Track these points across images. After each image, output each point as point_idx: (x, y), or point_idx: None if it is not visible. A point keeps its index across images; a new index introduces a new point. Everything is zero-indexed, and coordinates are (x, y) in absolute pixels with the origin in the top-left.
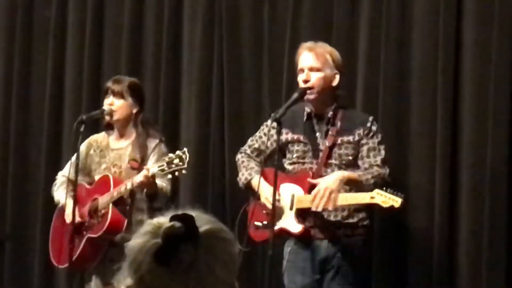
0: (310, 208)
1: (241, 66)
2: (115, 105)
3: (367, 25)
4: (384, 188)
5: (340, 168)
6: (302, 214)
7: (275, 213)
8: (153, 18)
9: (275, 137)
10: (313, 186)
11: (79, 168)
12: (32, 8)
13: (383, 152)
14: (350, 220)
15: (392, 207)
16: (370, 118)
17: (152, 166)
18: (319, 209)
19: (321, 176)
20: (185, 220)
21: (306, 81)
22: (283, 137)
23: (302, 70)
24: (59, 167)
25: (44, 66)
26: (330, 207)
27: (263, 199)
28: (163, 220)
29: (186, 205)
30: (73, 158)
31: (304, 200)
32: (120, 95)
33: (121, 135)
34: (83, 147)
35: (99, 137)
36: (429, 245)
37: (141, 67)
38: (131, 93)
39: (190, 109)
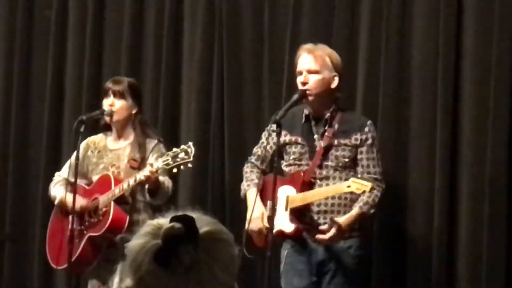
0: (303, 207)
1: (241, 68)
2: (116, 105)
3: (367, 27)
4: (359, 176)
5: (336, 170)
6: (298, 216)
7: (274, 216)
8: (153, 20)
9: (275, 139)
10: (304, 185)
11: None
12: (32, 8)
13: (380, 162)
14: None
15: (364, 192)
16: (368, 122)
17: (156, 161)
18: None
19: (314, 177)
20: (185, 221)
21: (304, 84)
22: (282, 139)
23: (301, 73)
24: (59, 167)
25: (44, 66)
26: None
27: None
28: (163, 221)
29: (186, 206)
30: (72, 159)
31: (296, 199)
32: (120, 95)
33: (120, 136)
34: (80, 149)
35: (97, 138)
36: (429, 247)
37: (141, 68)
38: (131, 93)
39: (190, 110)
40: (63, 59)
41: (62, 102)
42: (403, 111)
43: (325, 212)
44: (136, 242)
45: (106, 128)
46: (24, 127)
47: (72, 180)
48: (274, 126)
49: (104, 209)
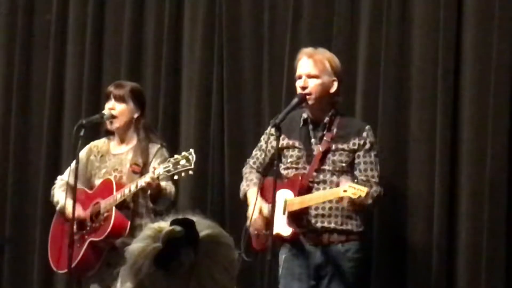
0: (301, 211)
1: (241, 71)
2: (117, 109)
3: (367, 31)
4: (355, 181)
5: (333, 174)
6: (295, 219)
7: (273, 220)
8: (153, 23)
9: (274, 143)
10: (302, 188)
11: (80, 173)
12: (32, 12)
13: (378, 167)
14: (344, 227)
15: (359, 197)
16: (367, 127)
17: (158, 167)
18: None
19: (311, 181)
20: (185, 225)
21: (303, 88)
22: (280, 143)
23: (300, 77)
24: (58, 171)
25: (44, 70)
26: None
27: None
28: (164, 224)
29: (186, 209)
30: (73, 163)
31: (294, 203)
32: (121, 99)
33: (122, 140)
34: (83, 153)
35: (100, 143)
36: (429, 250)
37: (141, 71)
38: (133, 98)
39: (190, 113)
40: (63, 63)
41: (62, 106)
42: (403, 114)
43: (323, 216)
44: (136, 246)
45: (110, 133)
46: (24, 131)
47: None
48: (273, 130)
49: (105, 214)
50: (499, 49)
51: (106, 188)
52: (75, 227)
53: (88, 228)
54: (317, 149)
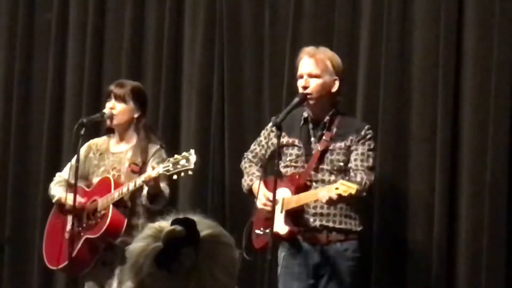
0: (299, 210)
1: (241, 70)
2: (116, 109)
3: (367, 31)
4: (347, 179)
5: (331, 173)
6: (293, 218)
7: (274, 218)
8: (154, 22)
9: (274, 141)
10: (300, 187)
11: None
12: (33, 10)
13: (371, 160)
14: (343, 226)
15: (350, 194)
16: (366, 127)
17: (157, 166)
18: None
19: (310, 179)
20: (186, 224)
21: (304, 87)
22: (280, 140)
23: (301, 76)
24: (59, 170)
25: (45, 69)
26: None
27: (257, 203)
28: (164, 224)
29: (186, 209)
30: (73, 160)
31: (291, 201)
32: (121, 99)
33: (122, 139)
34: (82, 151)
35: (99, 141)
36: (429, 250)
37: (141, 70)
38: (133, 98)
39: (190, 113)
40: (64, 62)
41: (62, 105)
42: (404, 114)
43: (321, 214)
44: (137, 245)
45: (110, 131)
46: (24, 130)
47: (72, 181)
48: (274, 128)
49: (102, 212)
50: (500, 49)
51: (104, 186)
52: (71, 224)
53: (84, 225)
54: (316, 148)
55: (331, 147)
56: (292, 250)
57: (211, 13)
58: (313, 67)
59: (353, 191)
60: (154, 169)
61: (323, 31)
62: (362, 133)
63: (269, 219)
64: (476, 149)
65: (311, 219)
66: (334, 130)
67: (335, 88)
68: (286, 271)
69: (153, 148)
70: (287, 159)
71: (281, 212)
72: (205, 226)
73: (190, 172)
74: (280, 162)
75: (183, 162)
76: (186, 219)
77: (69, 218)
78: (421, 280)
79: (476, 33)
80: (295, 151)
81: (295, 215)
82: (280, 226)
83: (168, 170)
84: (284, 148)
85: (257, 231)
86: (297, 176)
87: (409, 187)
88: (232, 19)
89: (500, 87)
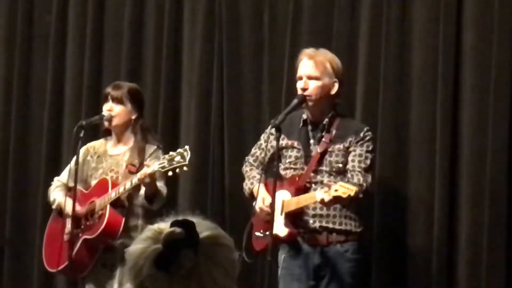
0: (299, 212)
1: (241, 72)
2: (114, 111)
3: (366, 33)
4: (347, 180)
5: (330, 175)
6: (293, 220)
7: (273, 220)
8: (153, 24)
9: (274, 143)
10: (299, 189)
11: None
12: (32, 13)
13: (369, 161)
14: (343, 227)
15: (349, 196)
16: (365, 128)
17: (152, 164)
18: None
19: (309, 181)
20: (185, 226)
21: (304, 89)
22: (279, 143)
23: (301, 78)
24: (58, 172)
25: (44, 71)
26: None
27: (256, 206)
28: (164, 225)
29: (186, 211)
30: (71, 163)
31: (291, 203)
32: (119, 101)
33: (119, 141)
34: (80, 154)
35: (97, 144)
36: (429, 252)
37: (141, 72)
38: (131, 99)
39: (190, 115)
40: (63, 64)
41: (61, 107)
42: (403, 115)
43: (321, 216)
44: (136, 247)
45: (107, 134)
46: (24, 133)
47: (71, 185)
48: (273, 130)
49: (100, 212)
50: (499, 49)
51: (102, 187)
52: (70, 225)
53: (82, 226)
54: (315, 150)
55: (330, 149)
56: (292, 252)
57: (210, 15)
58: (312, 69)
59: (352, 193)
60: (150, 166)
61: (322, 32)
62: (361, 134)
63: (269, 221)
64: (476, 149)
65: (311, 221)
66: (334, 132)
67: (334, 90)
68: (286, 273)
69: (151, 148)
70: (287, 161)
71: (281, 214)
72: (204, 227)
73: (185, 168)
74: (280, 164)
75: (178, 158)
76: (185, 221)
77: (68, 220)
78: (421, 281)
79: (475, 33)
80: (294, 153)
81: (295, 217)
82: (280, 228)
83: (163, 167)
84: (284, 151)
85: (257, 234)
86: (296, 178)
87: (409, 188)
88: (231, 21)
89: (499, 87)
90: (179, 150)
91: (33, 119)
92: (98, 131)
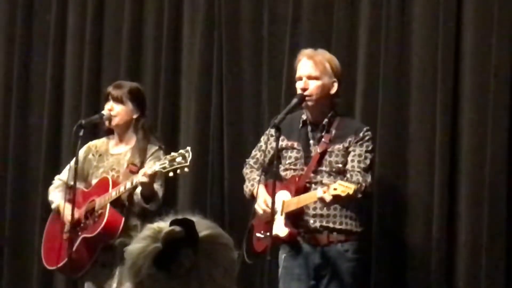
0: (299, 212)
1: (240, 71)
2: (115, 110)
3: (366, 32)
4: (345, 179)
5: (330, 175)
6: (293, 220)
7: (273, 220)
8: (153, 24)
9: (274, 145)
10: (299, 189)
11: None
12: (31, 12)
13: (368, 161)
14: (344, 227)
15: (348, 195)
16: (365, 128)
17: (154, 164)
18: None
19: (309, 181)
20: (185, 225)
21: (304, 89)
22: (279, 144)
23: (300, 78)
24: (58, 171)
25: (43, 70)
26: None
27: (256, 206)
28: (163, 224)
29: (185, 210)
30: (72, 162)
31: (291, 203)
32: (119, 100)
33: (121, 140)
34: (81, 152)
35: (99, 142)
36: (428, 251)
37: (140, 72)
38: (132, 99)
39: (189, 114)
40: (63, 64)
41: (61, 106)
42: (402, 115)
43: (321, 216)
44: (135, 246)
45: (109, 133)
46: (23, 132)
47: (72, 183)
48: (273, 131)
49: (100, 211)
50: (499, 49)
51: (102, 186)
52: (69, 226)
53: (82, 225)
54: (315, 150)
55: (330, 149)
56: (293, 252)
57: (210, 15)
58: (312, 69)
59: (350, 191)
60: (151, 167)
61: (321, 32)
62: (361, 134)
63: (269, 222)
64: (475, 149)
65: (311, 220)
66: (333, 132)
67: (333, 90)
68: (286, 272)
69: (152, 149)
70: (287, 162)
71: (281, 214)
72: (204, 227)
73: (186, 169)
74: (280, 165)
75: (179, 159)
76: (185, 220)
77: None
78: (420, 280)
79: (475, 32)
80: (294, 154)
81: (295, 217)
82: (280, 229)
83: (164, 167)
84: (284, 151)
85: (258, 234)
86: (296, 179)
87: (408, 187)
88: (231, 21)
89: (499, 86)
90: (181, 151)
91: (33, 118)
92: (98, 130)
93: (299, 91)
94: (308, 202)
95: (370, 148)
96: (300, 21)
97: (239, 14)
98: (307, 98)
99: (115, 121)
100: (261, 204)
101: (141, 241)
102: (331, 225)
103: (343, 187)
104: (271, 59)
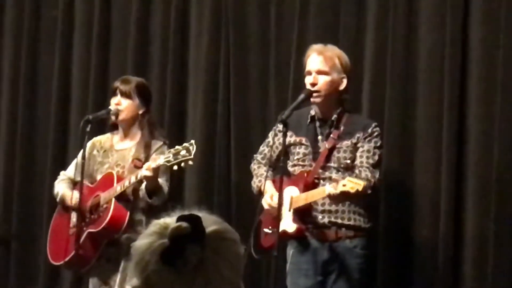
0: (308, 208)
1: (247, 68)
2: (122, 105)
3: (373, 27)
4: (354, 175)
5: (338, 171)
6: (301, 216)
7: (280, 216)
8: (160, 19)
9: (281, 140)
10: (308, 185)
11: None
12: (39, 7)
13: (377, 157)
14: (352, 223)
15: (357, 191)
16: (373, 124)
17: (158, 158)
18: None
19: (317, 177)
20: (191, 221)
21: (313, 84)
22: (287, 140)
23: (310, 73)
24: (65, 166)
25: (51, 66)
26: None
27: (263, 201)
28: (170, 220)
29: (192, 206)
30: (78, 158)
31: (299, 199)
32: (127, 95)
33: (126, 136)
34: (86, 148)
35: (103, 138)
36: (435, 247)
37: (147, 67)
38: (138, 94)
39: (196, 110)
40: (70, 59)
41: (68, 102)
42: (410, 110)
43: (330, 212)
44: (142, 242)
45: (114, 128)
46: (30, 127)
47: (78, 179)
48: (280, 126)
49: (104, 206)
50: (506, 44)
51: (107, 181)
52: (75, 219)
53: (87, 220)
54: (323, 146)
55: (338, 145)
56: (301, 247)
57: (217, 10)
58: (322, 64)
59: (360, 188)
60: (156, 160)
61: (328, 28)
62: (369, 130)
63: (276, 218)
64: (482, 144)
65: (320, 216)
66: (342, 128)
67: (342, 86)
68: (294, 268)
69: (157, 144)
70: (295, 158)
71: (289, 210)
72: (210, 222)
73: (190, 162)
74: (288, 161)
75: (183, 152)
76: (191, 216)
77: (73, 215)
78: (427, 275)
79: (482, 28)
80: (302, 149)
81: (303, 213)
82: (288, 224)
83: (169, 161)
84: (292, 147)
85: (266, 230)
86: (305, 175)
87: (416, 183)
88: (238, 17)
89: (506, 82)
90: (185, 144)
91: (40, 113)
92: (104, 125)
93: (308, 86)
94: (317, 198)
95: (378, 144)
96: (307, 16)
97: (245, 9)
98: (315, 93)
99: (122, 116)
100: (268, 200)
101: (148, 237)
102: (339, 221)
103: (352, 183)
104: (278, 54)
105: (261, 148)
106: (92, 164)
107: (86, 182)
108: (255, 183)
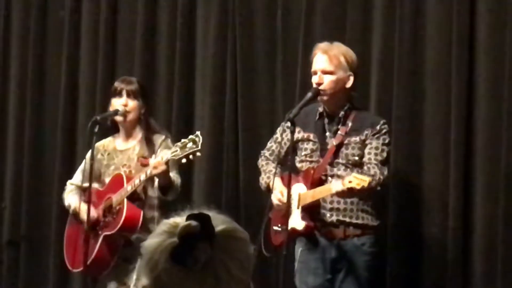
0: (316, 205)
1: (254, 66)
2: (130, 105)
3: (380, 24)
4: (360, 171)
5: (346, 168)
6: (310, 213)
7: (288, 214)
8: (167, 20)
9: (289, 136)
10: (315, 181)
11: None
12: (46, 8)
13: (385, 154)
14: (360, 221)
15: (362, 187)
16: (382, 121)
17: (165, 153)
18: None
19: (325, 174)
20: (201, 219)
21: (319, 84)
22: (295, 136)
23: (315, 72)
24: (73, 168)
25: (58, 68)
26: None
27: (272, 198)
28: (179, 219)
29: (201, 205)
30: (82, 165)
31: (307, 196)
32: (134, 95)
33: (128, 136)
34: (90, 153)
35: (105, 142)
36: (443, 244)
37: (154, 67)
38: (142, 94)
39: (203, 108)
40: (77, 59)
41: (76, 103)
42: (417, 107)
43: (338, 209)
44: (152, 241)
45: (114, 131)
46: (38, 128)
47: (86, 185)
48: (288, 124)
49: (118, 207)
50: None
51: (117, 183)
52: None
53: (101, 223)
54: (331, 142)
55: (346, 142)
56: (309, 245)
57: (224, 8)
58: (326, 64)
59: (365, 184)
60: (163, 157)
61: (335, 24)
62: (378, 127)
63: (285, 215)
64: (491, 141)
65: (328, 214)
66: (350, 124)
67: (349, 84)
68: (303, 266)
69: (159, 139)
70: (302, 154)
71: (298, 207)
72: (220, 221)
73: (198, 154)
74: (295, 157)
75: (190, 144)
76: (201, 214)
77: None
78: (436, 273)
79: (489, 24)
80: (310, 145)
81: (311, 210)
82: (297, 222)
83: (176, 155)
84: (299, 143)
85: (275, 228)
86: (312, 171)
87: (424, 180)
88: (245, 15)
89: None
90: (191, 136)
91: (48, 115)
92: (107, 129)
93: (314, 85)
94: (324, 195)
95: (386, 141)
96: (314, 14)
97: (253, 9)
98: (321, 92)
99: (130, 117)
100: (279, 195)
101: (158, 236)
102: (347, 219)
103: (358, 180)
104: (285, 52)
105: (269, 144)
106: (98, 168)
107: (95, 186)
108: (263, 179)
